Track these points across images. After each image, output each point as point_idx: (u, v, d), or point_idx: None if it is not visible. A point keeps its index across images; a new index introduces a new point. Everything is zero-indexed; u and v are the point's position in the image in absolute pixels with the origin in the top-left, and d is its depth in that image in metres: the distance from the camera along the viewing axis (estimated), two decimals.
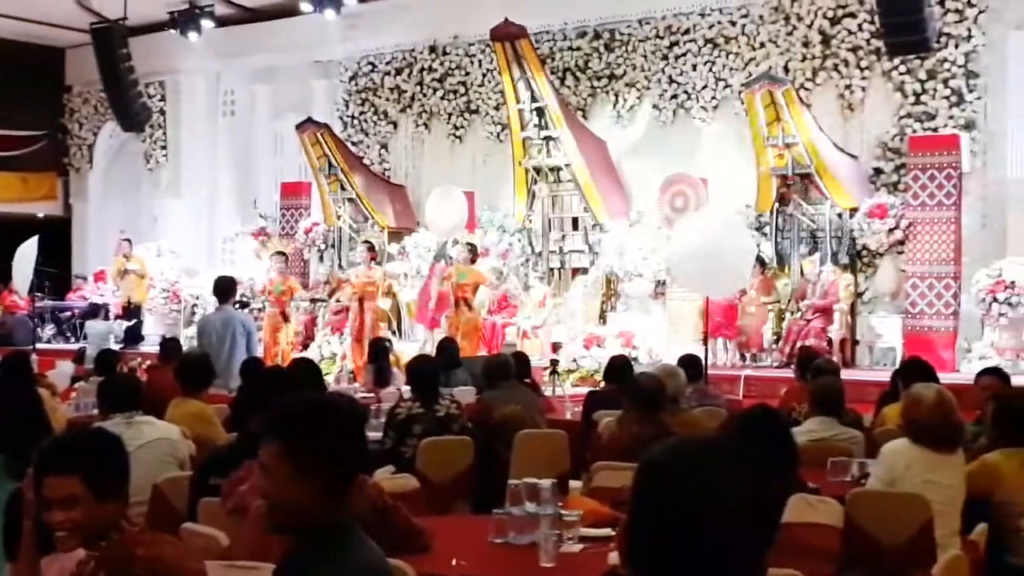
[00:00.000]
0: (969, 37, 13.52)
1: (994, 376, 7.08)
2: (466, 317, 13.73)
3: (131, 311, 17.38)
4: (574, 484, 5.77)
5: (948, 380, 7.05)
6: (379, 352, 10.46)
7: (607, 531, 4.21)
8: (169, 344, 10.14)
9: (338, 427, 2.55)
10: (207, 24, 18.28)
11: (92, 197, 21.95)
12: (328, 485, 2.48)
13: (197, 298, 17.90)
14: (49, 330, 18.92)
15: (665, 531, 1.78)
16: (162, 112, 20.61)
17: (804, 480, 4.70)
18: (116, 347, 14.56)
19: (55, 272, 20.06)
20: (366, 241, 15.49)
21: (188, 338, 14.62)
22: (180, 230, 20.23)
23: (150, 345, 16.35)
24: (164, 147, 20.69)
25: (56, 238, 20.45)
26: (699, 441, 2.05)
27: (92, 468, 2.90)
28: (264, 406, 5.19)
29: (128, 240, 17.88)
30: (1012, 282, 12.16)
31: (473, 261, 14.12)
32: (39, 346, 15.95)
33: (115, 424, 5.31)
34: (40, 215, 22.01)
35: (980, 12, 13.48)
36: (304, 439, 2.50)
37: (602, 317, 15.07)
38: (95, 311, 16.53)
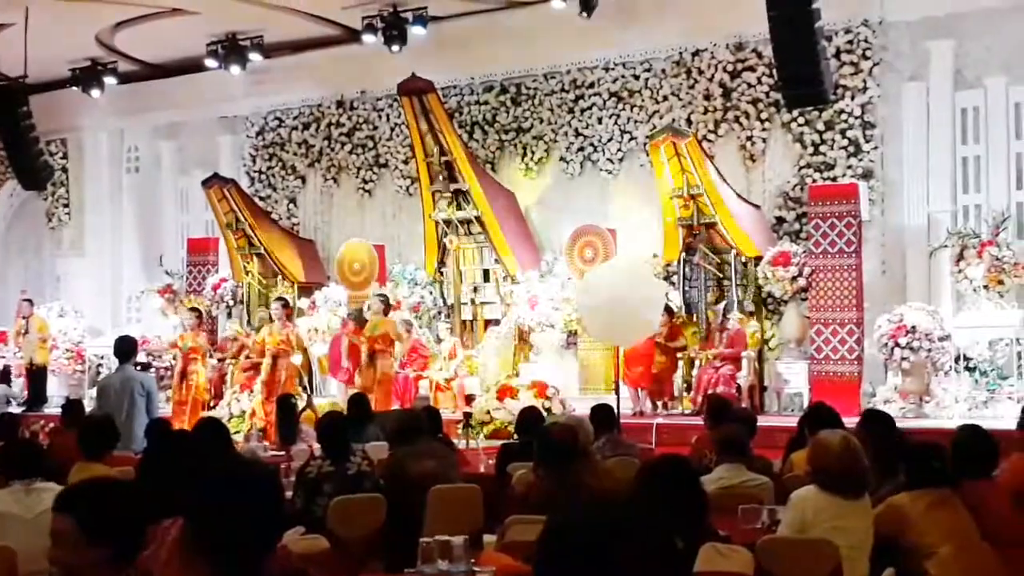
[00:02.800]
0: (865, 88, 13.93)
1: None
2: (380, 369, 13.66)
3: (34, 373, 16.94)
4: (488, 539, 5.74)
5: (852, 425, 7.14)
6: (286, 409, 10.32)
7: None
8: (72, 407, 9.90)
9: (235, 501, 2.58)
10: (110, 81, 18.05)
11: None
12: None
13: (102, 358, 17.52)
14: None
15: None
16: (64, 170, 20.28)
17: (714, 528, 4.72)
18: (17, 410, 14.17)
19: None
20: (280, 298, 15.33)
21: (92, 399, 14.30)
22: (84, 289, 19.84)
23: (53, 407, 15.95)
24: (67, 205, 20.32)
25: None
26: (601, 504, 2.06)
27: (84, 509, 2.96)
28: (170, 469, 5.10)
29: (29, 300, 17.47)
30: (913, 327, 12.42)
31: (386, 312, 14.07)
32: None
33: (14, 491, 5.16)
34: None
35: (875, 64, 13.91)
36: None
37: (515, 368, 15.08)
38: None
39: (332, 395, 15.34)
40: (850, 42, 14.05)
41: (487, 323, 15.90)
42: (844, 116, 14.02)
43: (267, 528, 2.66)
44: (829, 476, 4.81)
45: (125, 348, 10.42)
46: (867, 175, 13.84)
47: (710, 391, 12.40)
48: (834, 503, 4.78)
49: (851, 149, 13.99)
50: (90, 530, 2.96)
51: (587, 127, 15.90)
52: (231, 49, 16.82)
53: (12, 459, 5.63)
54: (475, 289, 15.97)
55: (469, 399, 14.27)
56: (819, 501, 4.80)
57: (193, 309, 15.10)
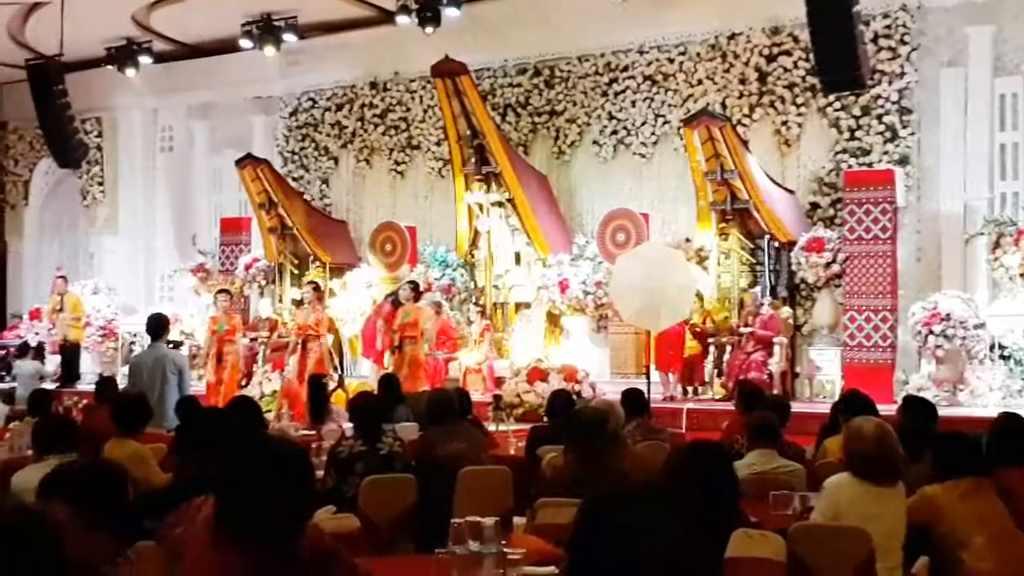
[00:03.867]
0: (902, 74, 13.79)
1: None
2: (410, 353, 13.69)
3: (67, 349, 17.08)
4: (518, 521, 5.74)
5: (886, 412, 7.09)
6: (316, 389, 10.35)
7: (551, 569, 4.18)
8: (105, 384, 9.97)
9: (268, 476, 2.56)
10: (145, 60, 18.15)
11: (28, 234, 21.63)
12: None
13: (135, 336, 17.65)
14: None
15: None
16: (99, 148, 20.39)
17: (746, 514, 4.69)
18: (50, 386, 14.29)
19: None
20: (312, 281, 15.40)
21: (125, 376, 14.40)
22: (118, 267, 19.98)
23: (86, 384, 16.10)
24: (101, 183, 20.45)
25: None
26: (637, 484, 2.05)
27: (79, 495, 2.91)
28: (203, 447, 5.12)
29: (63, 278, 17.61)
30: (947, 314, 12.33)
31: (416, 299, 14.10)
32: None
33: (48, 466, 5.18)
34: None
35: (913, 50, 13.77)
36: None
37: (545, 352, 15.07)
38: (24, 350, 16.23)
39: (363, 375, 15.38)
40: (888, 27, 13.91)
41: (518, 306, 15.90)
42: (881, 101, 13.89)
43: (297, 505, 2.65)
44: (863, 463, 4.77)
45: (157, 326, 10.46)
46: (903, 161, 13.72)
47: (741, 377, 12.34)
48: (868, 490, 4.74)
49: (887, 135, 13.86)
50: (88, 517, 2.91)
51: (621, 110, 15.83)
52: (266, 29, 16.86)
53: (46, 434, 5.68)
54: (506, 272, 15.96)
55: (499, 382, 14.28)
56: (853, 488, 4.76)
57: (223, 291, 15.17)
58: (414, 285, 14.29)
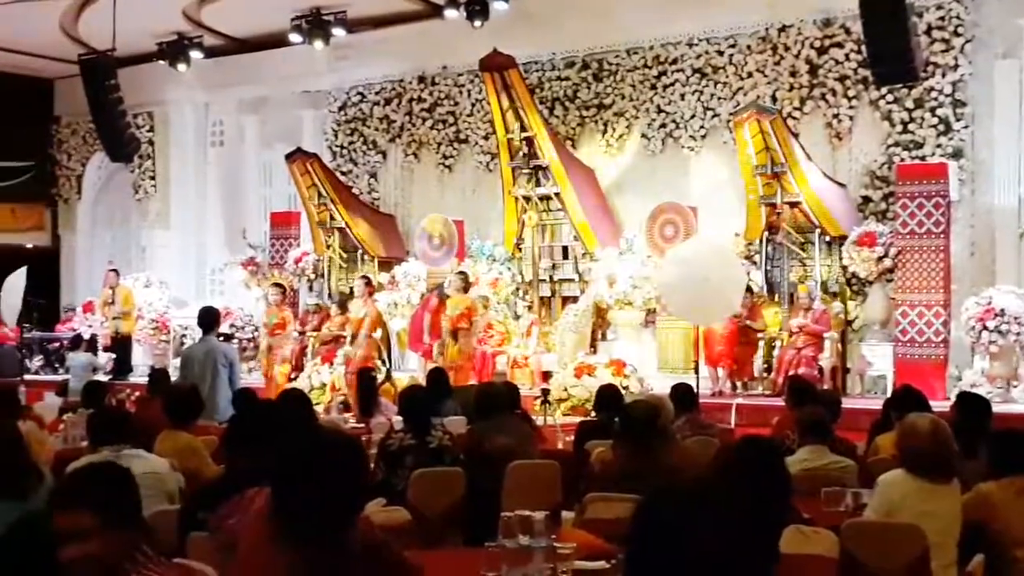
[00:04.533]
0: (956, 66, 13.60)
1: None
2: (460, 347, 13.73)
3: (119, 342, 17.28)
4: (566, 515, 5.73)
5: (939, 408, 7.01)
6: (365, 382, 10.42)
7: (601, 564, 4.16)
8: (157, 376, 10.08)
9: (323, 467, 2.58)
10: (196, 55, 18.32)
11: (80, 228, 21.91)
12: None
13: (185, 329, 17.83)
14: (37, 361, 18.82)
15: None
16: (151, 143, 20.59)
17: (798, 510, 4.66)
18: (103, 378, 14.46)
19: (43, 303, 19.99)
20: (364, 276, 15.50)
21: (176, 368, 14.57)
22: (169, 260, 20.19)
23: (138, 376, 16.29)
24: (153, 177, 20.66)
25: (44, 269, 20.41)
26: (690, 482, 2.03)
27: (102, 500, 2.91)
28: (255, 439, 5.16)
29: (115, 271, 17.81)
30: (1002, 310, 12.17)
31: (466, 290, 14.13)
32: (27, 377, 15.87)
33: (103, 457, 5.25)
34: (28, 246, 21.95)
35: (967, 41, 13.57)
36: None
37: (592, 346, 15.04)
38: (77, 342, 16.44)
39: (411, 369, 15.43)
40: (941, 19, 13.73)
41: (565, 300, 15.87)
42: (934, 94, 13.71)
43: (352, 497, 2.66)
44: (918, 460, 4.72)
45: (209, 319, 10.57)
46: (957, 154, 13.53)
47: (791, 372, 12.24)
48: (922, 487, 4.69)
49: (941, 128, 13.68)
50: (111, 518, 2.91)
51: (669, 103, 15.75)
52: (315, 24, 16.95)
53: (101, 426, 5.74)
54: (553, 266, 15.94)
55: (546, 376, 14.26)
56: (907, 485, 4.71)
57: (277, 285, 15.31)
58: (463, 276, 14.33)
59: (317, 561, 3.00)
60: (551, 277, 15.97)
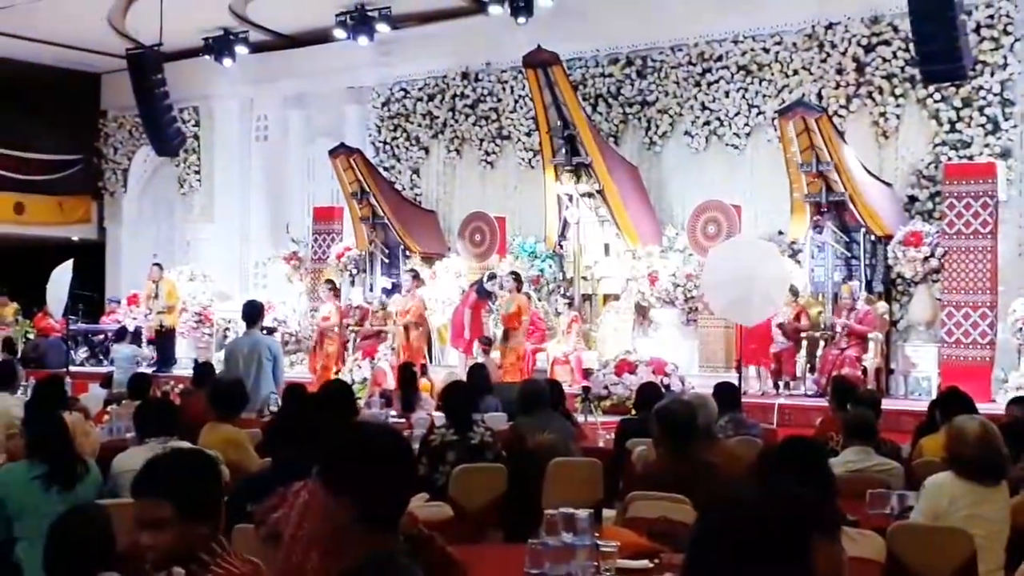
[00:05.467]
0: (1005, 65, 13.44)
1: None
2: (510, 346, 13.81)
3: (163, 335, 17.44)
4: (607, 513, 5.71)
5: (985, 411, 6.92)
6: (407, 377, 10.44)
7: (645, 563, 4.15)
8: (202, 369, 10.15)
9: (370, 453, 2.55)
10: (241, 50, 18.45)
11: (126, 221, 22.13)
12: (357, 510, 2.48)
13: (229, 322, 17.97)
14: (82, 353, 19.03)
15: None
16: (196, 137, 20.76)
17: (843, 512, 4.62)
18: (147, 370, 14.60)
19: (89, 295, 20.21)
20: (412, 269, 15.57)
21: (219, 362, 14.68)
22: (213, 254, 20.34)
23: (181, 369, 16.42)
24: (198, 172, 20.82)
25: (90, 261, 20.62)
26: (745, 487, 2.01)
27: (183, 491, 2.88)
28: (296, 432, 5.18)
29: (158, 265, 17.95)
30: None
31: (519, 289, 14.18)
32: (72, 369, 16.04)
33: (150, 449, 5.30)
34: (75, 238, 22.21)
35: (1016, 40, 13.41)
36: (339, 469, 2.52)
37: (633, 344, 15.00)
38: (122, 335, 16.60)
39: (451, 365, 15.46)
40: (990, 17, 13.57)
41: (606, 297, 15.83)
42: (982, 93, 13.56)
43: (408, 482, 2.66)
44: (966, 462, 4.66)
45: (253, 313, 10.61)
46: (1005, 154, 13.37)
47: (835, 372, 12.14)
48: (971, 490, 4.63)
49: (989, 127, 13.52)
50: (189, 509, 2.88)
51: (713, 101, 15.67)
52: (359, 20, 17.02)
53: (148, 418, 5.79)
54: (595, 263, 15.90)
55: (586, 373, 14.25)
56: (955, 488, 4.65)
57: (328, 281, 15.44)
58: (516, 276, 14.40)
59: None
60: (592, 274, 15.93)
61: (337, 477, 2.50)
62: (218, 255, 20.37)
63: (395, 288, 16.85)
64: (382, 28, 17.08)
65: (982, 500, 4.63)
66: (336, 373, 15.04)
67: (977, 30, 13.55)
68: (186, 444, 5.73)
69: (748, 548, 1.78)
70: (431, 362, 15.66)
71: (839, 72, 14.61)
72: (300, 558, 3.27)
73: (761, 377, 13.60)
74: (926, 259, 13.07)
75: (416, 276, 14.98)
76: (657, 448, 5.95)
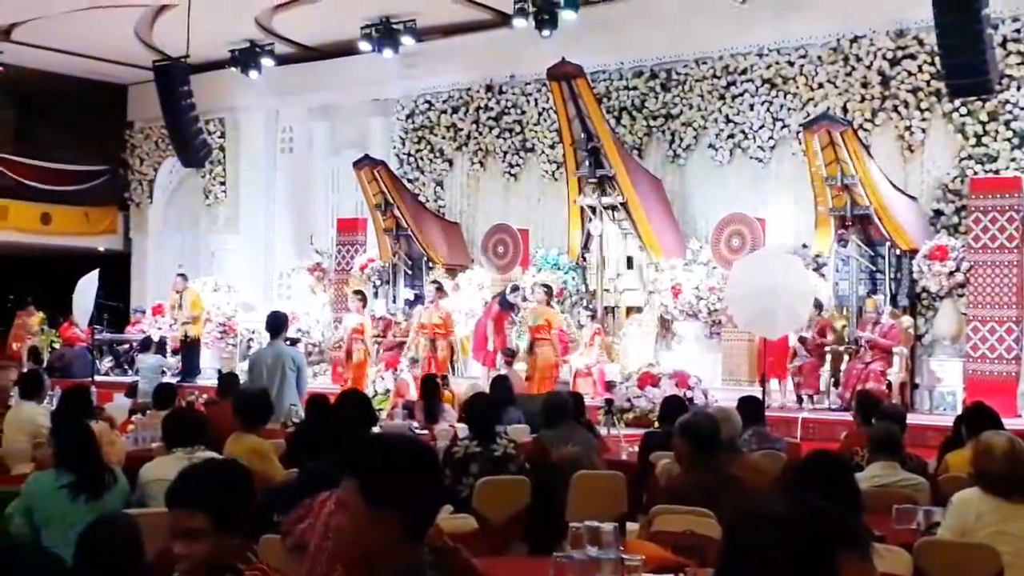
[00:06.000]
0: None
1: None
2: (541, 356, 13.83)
3: (188, 345, 17.52)
4: (631, 526, 5.70)
5: (1011, 426, 6.88)
6: (430, 389, 10.46)
7: None
8: (227, 379, 10.19)
9: (413, 464, 2.56)
10: (267, 62, 18.56)
11: (152, 231, 22.25)
12: (401, 523, 2.48)
13: (253, 332, 18.04)
14: (107, 362, 19.13)
15: None
16: (222, 148, 20.86)
17: (870, 527, 4.60)
18: (172, 380, 14.68)
19: (114, 305, 20.32)
20: (435, 281, 15.62)
21: (243, 372, 14.74)
22: (237, 265, 20.43)
23: (205, 379, 16.49)
24: (223, 183, 20.93)
25: (116, 271, 20.75)
26: (768, 505, 2.02)
27: (217, 502, 2.87)
28: (320, 442, 5.20)
29: (183, 275, 18.02)
30: None
31: (548, 302, 14.18)
32: (97, 378, 16.12)
33: (177, 458, 5.33)
34: (101, 249, 22.35)
35: None
36: (378, 475, 2.52)
37: (656, 357, 14.97)
38: (147, 345, 16.69)
39: (474, 376, 15.46)
40: (1017, 31, 13.53)
41: (629, 310, 15.81)
42: (1009, 107, 13.50)
43: (443, 493, 2.68)
44: (993, 478, 4.63)
45: (277, 324, 10.67)
46: None
47: (859, 387, 12.08)
48: (998, 506, 4.60)
49: (1015, 141, 13.47)
50: (224, 521, 2.87)
51: (738, 114, 15.65)
52: (384, 32, 17.09)
53: (175, 427, 5.82)
54: (618, 275, 15.88)
55: (609, 386, 14.23)
56: (982, 504, 4.62)
57: (358, 292, 15.51)
58: (547, 288, 14.43)
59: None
60: (615, 287, 15.92)
61: (381, 490, 2.50)
62: (242, 266, 20.46)
63: (418, 300, 16.89)
64: (407, 41, 17.14)
65: (1009, 516, 4.59)
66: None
67: (1004, 44, 13.50)
68: (212, 454, 5.76)
69: (775, 564, 1.79)
70: (453, 373, 15.68)
71: (864, 86, 14.58)
72: (325, 569, 3.29)
73: (782, 391, 13.55)
74: (951, 273, 13.01)
75: (440, 288, 15.03)
76: (681, 461, 5.94)
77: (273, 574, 3.01)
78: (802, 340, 13.36)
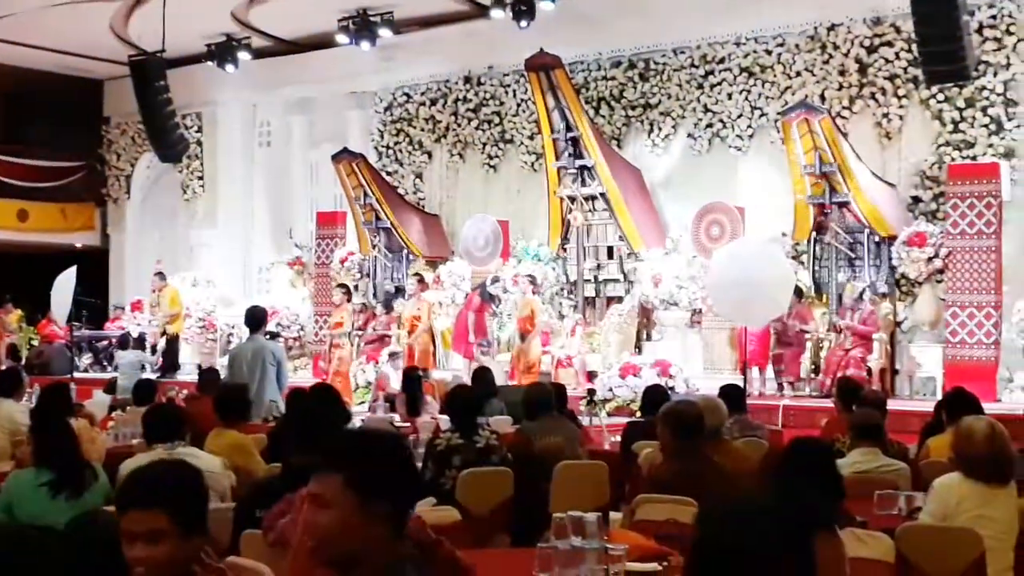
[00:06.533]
0: (1008, 65, 13.44)
1: None
2: (526, 348, 13.84)
3: (168, 341, 17.45)
4: (614, 515, 5.70)
5: (990, 411, 6.91)
6: (412, 381, 10.45)
7: (654, 566, 4.14)
8: (207, 375, 10.15)
9: (398, 456, 2.55)
10: (244, 56, 18.45)
11: (129, 227, 22.14)
12: (390, 516, 2.48)
13: (232, 327, 17.97)
14: (86, 359, 19.04)
15: None
16: (199, 143, 20.78)
17: (851, 513, 4.61)
18: (152, 376, 14.61)
19: (93, 302, 20.21)
20: (416, 273, 15.57)
21: (223, 367, 14.68)
22: (216, 260, 20.35)
23: (185, 374, 16.43)
24: (201, 177, 20.84)
25: (94, 268, 20.63)
26: (743, 498, 2.01)
27: (179, 502, 2.79)
28: (296, 436, 5.17)
29: (160, 274, 17.92)
30: None
31: (534, 292, 14.18)
32: (76, 375, 16.03)
33: (157, 454, 5.30)
34: (78, 245, 22.22)
35: (1019, 40, 13.41)
36: (368, 468, 2.51)
37: (637, 346, 15.00)
38: (125, 341, 16.60)
39: (455, 368, 15.45)
40: (993, 17, 13.57)
41: (610, 300, 15.83)
42: (986, 93, 13.55)
43: (416, 482, 2.67)
44: (974, 463, 4.65)
45: (256, 318, 10.62)
46: (1009, 154, 13.37)
47: (840, 373, 12.13)
48: (979, 491, 4.62)
49: (992, 127, 13.52)
50: (184, 521, 2.79)
51: (716, 103, 15.67)
52: (362, 25, 17.02)
53: (156, 423, 5.79)
54: (598, 266, 15.89)
55: (590, 376, 14.25)
56: (963, 488, 4.64)
57: (341, 285, 15.48)
58: (532, 279, 14.42)
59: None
60: (596, 277, 15.93)
61: (372, 482, 2.48)
62: (221, 261, 20.38)
63: (399, 292, 16.87)
64: (384, 33, 17.08)
65: (990, 500, 4.62)
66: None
67: (980, 30, 13.54)
68: (193, 450, 5.73)
69: (760, 560, 1.79)
70: (435, 365, 15.67)
71: (842, 73, 14.61)
72: (306, 565, 3.26)
73: (762, 379, 13.58)
74: (930, 259, 13.06)
75: (421, 280, 15.00)
76: (664, 450, 5.94)
77: (232, 572, 2.95)
78: (781, 326, 13.37)
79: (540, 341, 14.49)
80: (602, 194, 15.42)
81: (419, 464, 6.61)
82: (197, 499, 2.88)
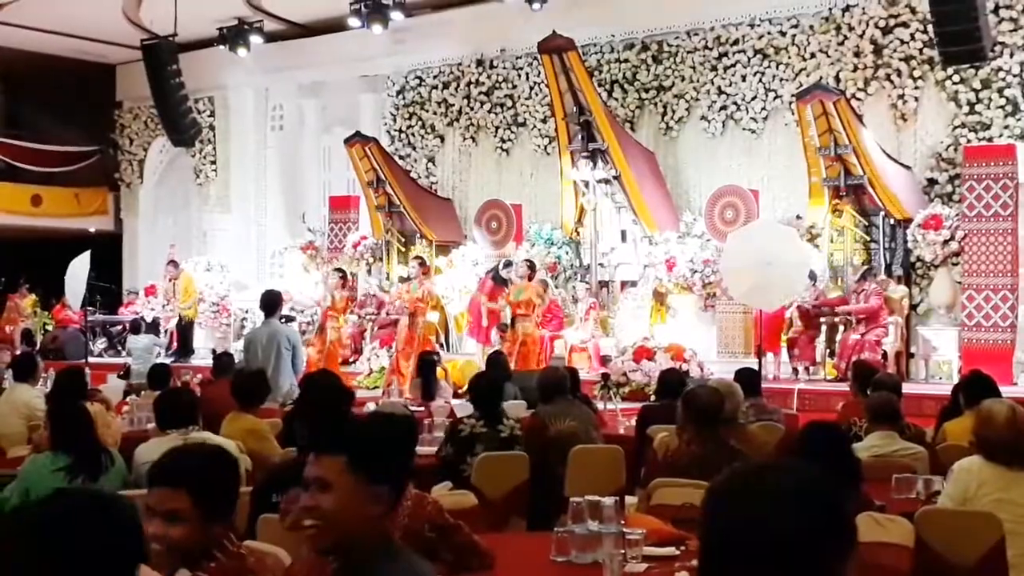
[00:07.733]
0: None
1: None
2: (522, 332, 13.74)
3: (182, 325, 17.50)
4: (629, 500, 5.69)
5: (1007, 394, 6.86)
6: (426, 366, 10.43)
7: (671, 550, 4.13)
8: (222, 359, 10.15)
9: (403, 438, 2.54)
10: (256, 40, 18.42)
11: (143, 212, 22.14)
12: (390, 499, 2.47)
13: (246, 312, 18.00)
14: (100, 344, 19.09)
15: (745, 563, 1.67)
16: (212, 127, 20.76)
17: (870, 497, 4.59)
18: (165, 360, 14.63)
19: (107, 286, 20.27)
20: (418, 257, 15.52)
21: (237, 351, 14.69)
22: (229, 244, 20.36)
23: (199, 359, 16.46)
24: (214, 162, 20.84)
25: (107, 253, 20.66)
26: (765, 466, 1.87)
27: (205, 487, 2.80)
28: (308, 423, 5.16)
29: (174, 262, 17.95)
30: None
31: (531, 278, 14.11)
32: (91, 360, 16.09)
33: (172, 439, 5.30)
34: (92, 230, 22.25)
35: None
36: (375, 450, 2.50)
37: (651, 330, 14.95)
38: (137, 326, 16.63)
39: (469, 353, 15.44)
40: None
41: (624, 284, 15.78)
42: (1002, 74, 13.46)
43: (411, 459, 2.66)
44: (995, 446, 4.62)
45: (271, 302, 10.62)
46: None
47: (855, 357, 12.08)
48: (999, 474, 4.59)
49: (1009, 108, 13.43)
50: (206, 505, 2.80)
51: (730, 85, 15.59)
52: (373, 8, 16.94)
53: (170, 408, 5.79)
54: (612, 250, 15.84)
55: (604, 360, 14.22)
56: (984, 472, 4.61)
57: (338, 269, 15.45)
58: (530, 264, 14.33)
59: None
60: (609, 261, 15.88)
61: (378, 465, 2.47)
62: (235, 245, 20.40)
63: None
64: (396, 16, 17.02)
65: (1011, 484, 4.58)
66: (352, 363, 15.06)
67: (996, 11, 13.44)
68: (208, 434, 5.73)
69: (801, 547, 1.69)
70: (448, 350, 15.65)
71: (857, 55, 14.52)
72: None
73: (777, 363, 13.53)
74: (946, 242, 12.99)
75: (423, 263, 14.91)
76: (681, 434, 5.92)
77: (252, 557, 2.95)
78: (800, 310, 13.32)
79: (537, 325, 14.36)
80: (615, 177, 15.35)
81: (438, 448, 6.60)
82: (225, 488, 2.90)
